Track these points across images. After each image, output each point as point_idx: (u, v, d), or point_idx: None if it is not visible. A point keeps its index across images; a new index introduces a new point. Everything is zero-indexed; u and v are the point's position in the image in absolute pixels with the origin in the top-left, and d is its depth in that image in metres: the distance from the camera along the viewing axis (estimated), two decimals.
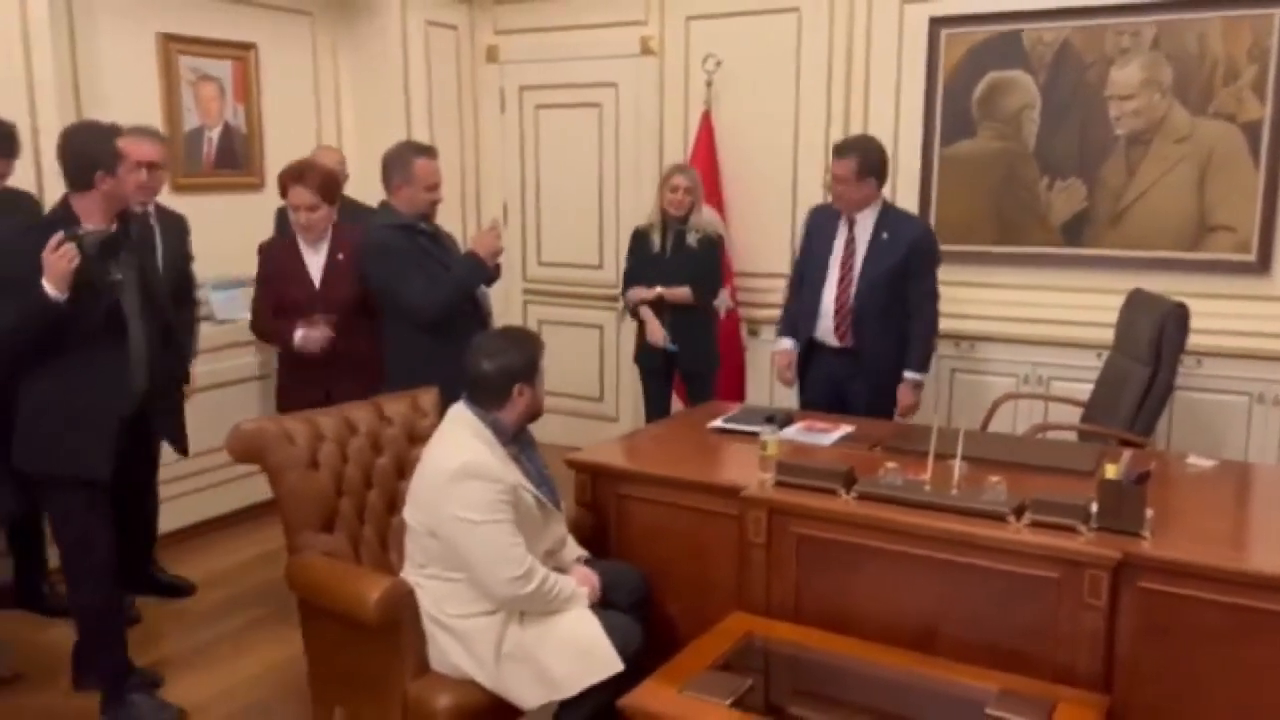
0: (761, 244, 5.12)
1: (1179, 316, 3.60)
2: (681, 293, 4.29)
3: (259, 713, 3.16)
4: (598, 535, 3.03)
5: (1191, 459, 3.03)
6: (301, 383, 3.62)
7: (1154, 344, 3.58)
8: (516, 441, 2.63)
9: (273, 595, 3.70)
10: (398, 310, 3.52)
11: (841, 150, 3.78)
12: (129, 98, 4.42)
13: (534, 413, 2.65)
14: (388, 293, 3.52)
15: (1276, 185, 4.05)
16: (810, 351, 3.90)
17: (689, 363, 4.42)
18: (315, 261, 3.66)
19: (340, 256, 3.63)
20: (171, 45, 4.69)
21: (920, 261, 3.73)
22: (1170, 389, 3.62)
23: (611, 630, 2.50)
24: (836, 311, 3.78)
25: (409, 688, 2.52)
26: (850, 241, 3.79)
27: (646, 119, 5.41)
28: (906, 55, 4.69)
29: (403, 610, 2.50)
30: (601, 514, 3.05)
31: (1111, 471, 2.45)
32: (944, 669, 2.45)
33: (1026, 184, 4.54)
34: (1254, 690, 2.23)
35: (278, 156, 5.05)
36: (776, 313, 5.02)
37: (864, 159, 3.71)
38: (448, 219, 4.08)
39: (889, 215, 3.80)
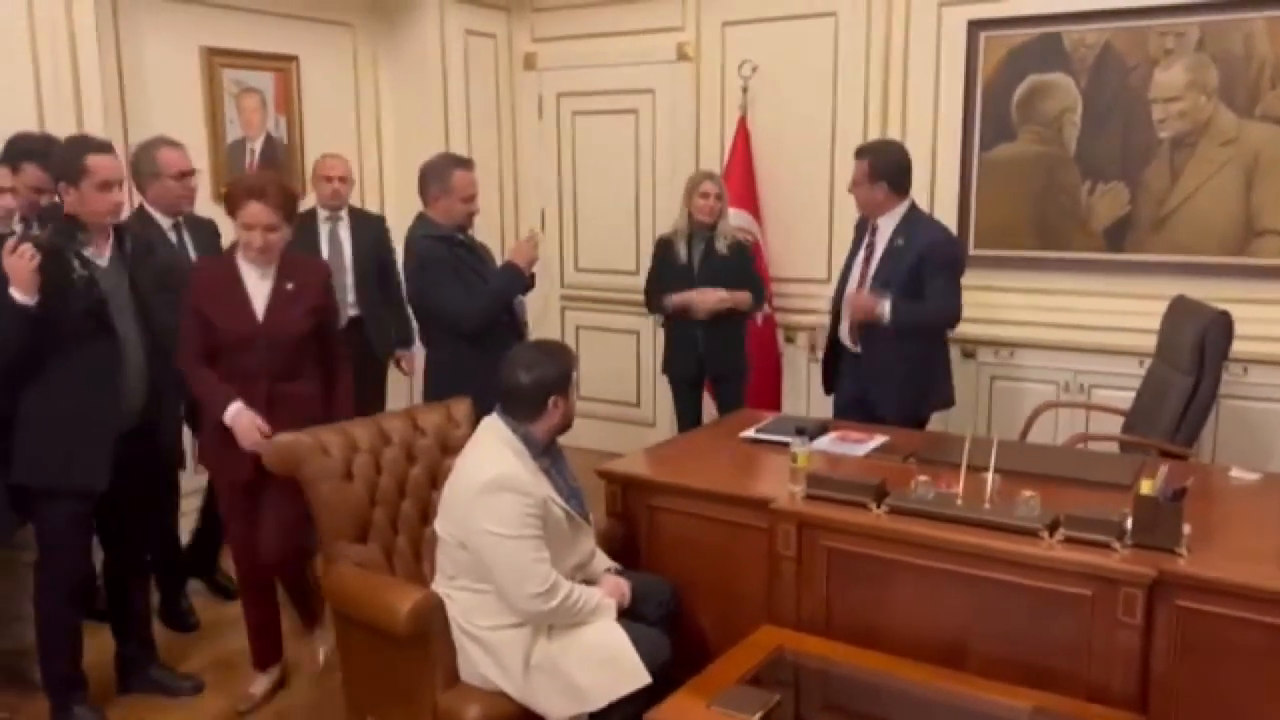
0: (798, 250, 5.09)
1: (1223, 324, 3.52)
2: (742, 297, 4.27)
3: (295, 718, 3.21)
4: (628, 546, 3.03)
5: (1235, 471, 2.96)
6: (227, 446, 3.03)
7: (1197, 352, 3.51)
8: (548, 454, 2.65)
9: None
10: (438, 322, 3.57)
11: (859, 152, 3.78)
12: (173, 110, 4.51)
13: (565, 425, 2.67)
14: (426, 304, 3.56)
15: None
16: (837, 352, 3.88)
17: (720, 367, 4.40)
18: (260, 290, 3.06)
19: (290, 286, 3.08)
20: (214, 58, 4.77)
21: (930, 267, 3.61)
22: (1213, 398, 3.55)
23: (639, 643, 2.51)
24: (852, 314, 3.75)
25: (439, 698, 2.54)
26: (870, 247, 3.76)
27: (683, 125, 5.41)
28: (945, 58, 4.64)
29: (433, 622, 2.52)
30: (632, 525, 3.06)
31: (1147, 487, 2.41)
32: (975, 686, 2.42)
33: (1067, 188, 4.47)
34: None
35: None
36: (814, 319, 5.01)
37: (876, 162, 3.68)
38: (486, 226, 4.10)
39: (910, 222, 3.71)
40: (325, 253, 4.31)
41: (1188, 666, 2.29)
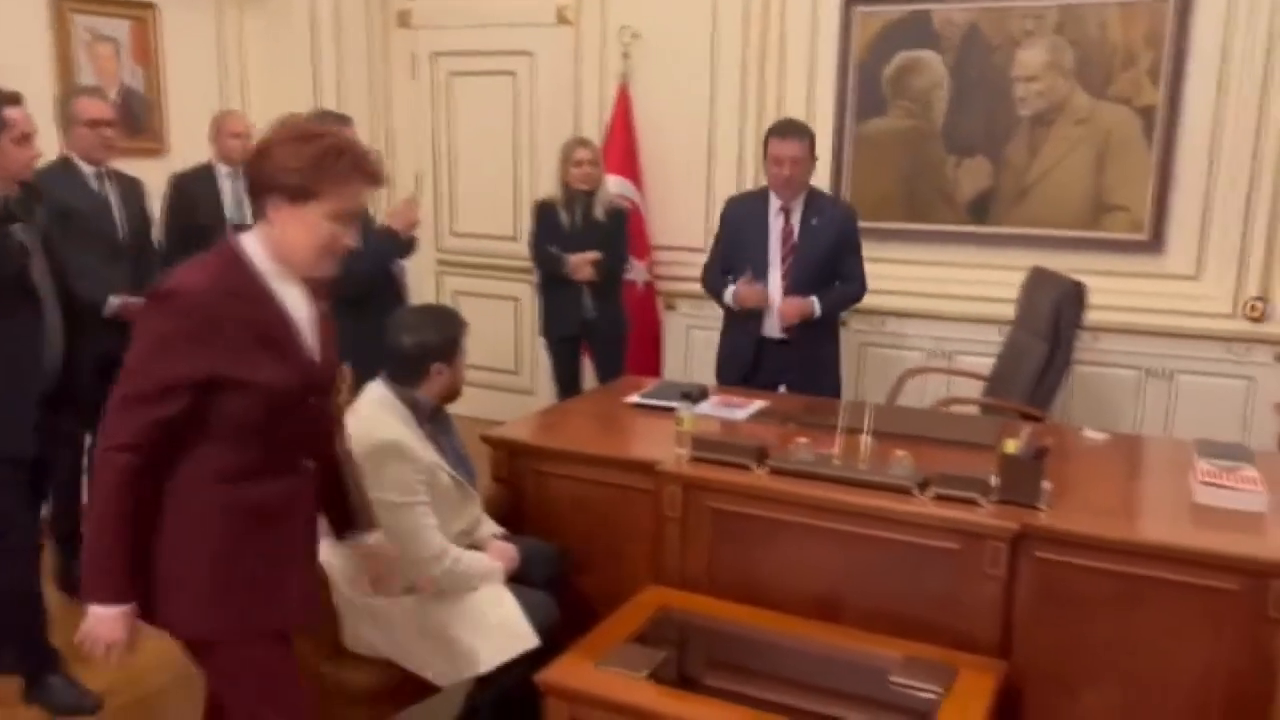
0: (678, 218, 5.13)
1: (1076, 294, 3.73)
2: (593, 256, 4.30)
3: (159, 700, 3.09)
4: (514, 512, 3.03)
5: (1087, 432, 3.16)
6: None
7: (1053, 320, 3.71)
8: (434, 421, 2.62)
9: None
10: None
11: (791, 130, 3.71)
12: (18, 59, 4.20)
13: (453, 393, 2.64)
14: None
15: (1169, 168, 4.22)
16: (759, 350, 3.80)
17: (602, 329, 4.43)
18: (301, 310, 2.42)
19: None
20: (64, 4, 4.47)
21: (848, 246, 3.76)
22: (1068, 364, 3.76)
23: (527, 606, 2.52)
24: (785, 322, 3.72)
25: (322, 668, 2.50)
26: (789, 231, 3.74)
27: (562, 89, 5.37)
28: (821, 32, 4.73)
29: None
30: (518, 490, 3.05)
31: (1011, 447, 2.55)
32: (851, 638, 2.53)
33: (935, 162, 4.65)
34: (1142, 654, 2.35)
35: (181, 121, 4.90)
36: (694, 286, 5.07)
37: (813, 139, 3.70)
38: None
39: (815, 200, 3.78)
40: (229, 210, 4.18)
41: (1045, 613, 2.44)
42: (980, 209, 4.59)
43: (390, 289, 3.57)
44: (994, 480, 2.55)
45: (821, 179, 4.73)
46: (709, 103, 5.01)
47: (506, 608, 2.51)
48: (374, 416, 2.52)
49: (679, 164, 5.11)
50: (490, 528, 2.78)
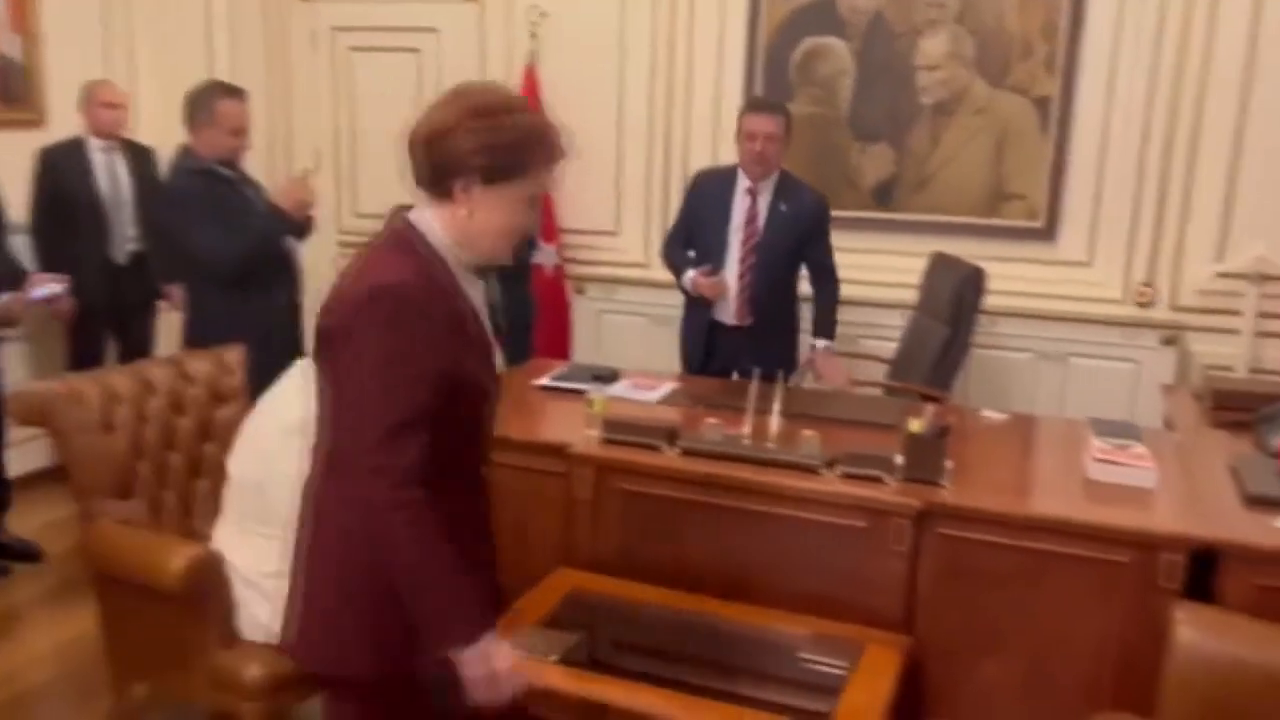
0: (588, 202, 5.08)
1: (976, 279, 3.82)
2: None
3: (42, 697, 2.94)
4: None
5: (986, 412, 3.24)
6: None
7: (954, 304, 3.79)
8: None
9: (56, 569, 3.44)
10: (192, 263, 3.33)
11: (767, 105, 3.58)
12: None
13: None
14: (179, 243, 3.31)
15: (1063, 157, 4.35)
16: (711, 335, 3.72)
17: (513, 314, 4.37)
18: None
19: None
20: None
21: (819, 235, 3.65)
22: (967, 347, 3.86)
23: None
24: (740, 291, 3.63)
25: (217, 659, 2.41)
26: (754, 214, 3.60)
27: (469, 69, 5.24)
28: (729, 16, 4.73)
29: (209, 578, 2.38)
30: None
31: (915, 426, 2.59)
32: (761, 616, 2.54)
33: (840, 148, 4.70)
34: (1040, 626, 2.42)
35: (61, 92, 4.64)
36: (605, 270, 5.06)
37: (789, 118, 3.55)
38: (256, 167, 3.86)
39: (787, 184, 3.63)
40: (103, 186, 3.96)
41: (947, 588, 2.49)
42: (884, 195, 4.66)
43: (284, 270, 3.44)
44: (899, 459, 2.59)
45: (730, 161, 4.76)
46: (618, 85, 4.98)
47: None
48: (300, 391, 2.46)
49: (588, 147, 5.00)
50: None
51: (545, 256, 4.99)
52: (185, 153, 3.35)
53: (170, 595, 2.34)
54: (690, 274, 3.65)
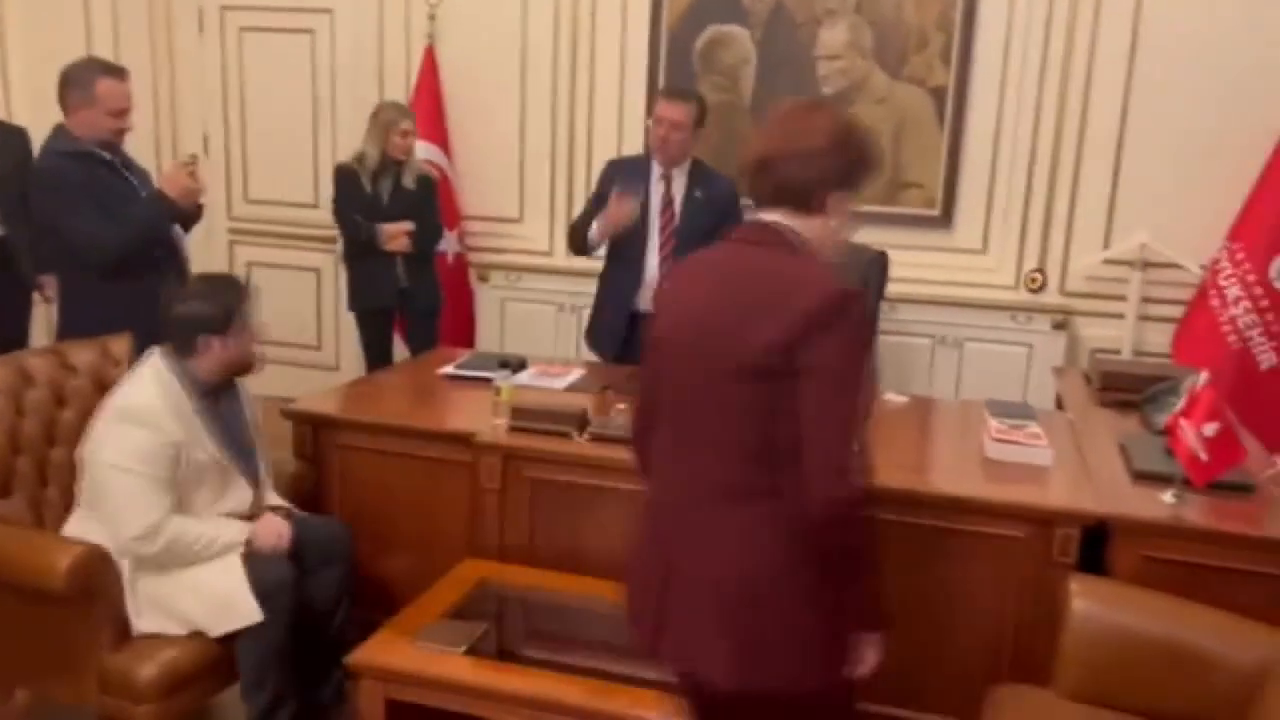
0: (490, 187, 5.02)
1: (882, 261, 3.90)
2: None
3: None
4: (318, 490, 2.89)
5: (888, 395, 3.30)
6: None
7: (862, 287, 3.85)
8: (214, 395, 2.48)
9: None
10: (68, 250, 3.17)
11: (677, 93, 3.50)
12: None
13: (236, 366, 2.52)
14: (54, 230, 3.14)
15: (958, 147, 4.46)
16: (632, 325, 3.53)
17: (420, 302, 4.29)
18: None
19: None
20: None
21: (728, 221, 3.39)
22: (875, 329, 3.92)
23: (269, 578, 2.40)
24: (661, 280, 3.49)
25: (106, 660, 2.30)
26: (669, 200, 3.54)
27: (365, 50, 5.12)
28: (633, 1, 4.72)
29: (97, 576, 2.27)
30: (324, 467, 2.90)
31: None
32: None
33: (743, 137, 4.72)
34: (943, 601, 2.48)
35: None
36: (509, 258, 4.99)
37: (701, 107, 3.49)
38: (139, 150, 3.67)
39: (700, 171, 3.58)
40: None
41: None
42: None
43: (170, 259, 3.29)
44: None
45: (636, 149, 4.75)
46: (520, 69, 4.91)
47: (230, 581, 2.38)
48: (136, 380, 2.43)
49: (490, 132, 4.98)
50: (272, 500, 2.64)
51: (446, 243, 4.90)
52: (60, 134, 3.18)
53: (56, 596, 2.22)
54: (596, 224, 3.53)
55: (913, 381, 4.35)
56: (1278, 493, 2.51)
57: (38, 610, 2.31)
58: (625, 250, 3.59)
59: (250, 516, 2.54)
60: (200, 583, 2.38)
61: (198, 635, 2.37)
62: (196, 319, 2.43)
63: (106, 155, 3.19)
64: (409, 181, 4.19)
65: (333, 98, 5.23)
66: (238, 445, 2.53)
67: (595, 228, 3.57)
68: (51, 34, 4.81)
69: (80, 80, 3.14)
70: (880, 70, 4.51)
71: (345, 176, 4.20)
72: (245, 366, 2.54)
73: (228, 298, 2.48)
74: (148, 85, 5.15)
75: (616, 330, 3.63)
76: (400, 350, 4.46)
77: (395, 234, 4.12)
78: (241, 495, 2.55)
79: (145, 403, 2.37)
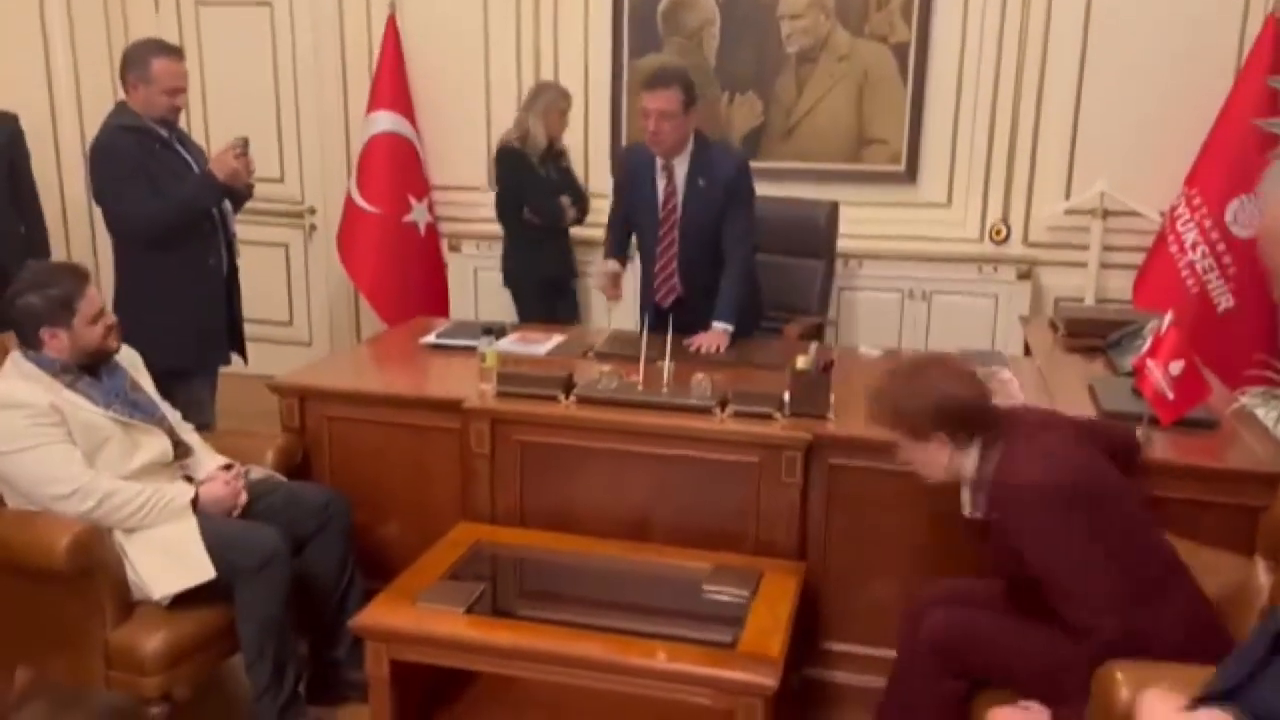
0: (457, 156, 5.01)
1: (834, 211, 4.09)
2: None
3: None
4: (308, 462, 2.92)
5: (863, 349, 3.38)
6: None
7: (824, 237, 4.05)
8: (81, 369, 2.49)
9: None
10: (113, 225, 3.29)
11: (658, 79, 3.14)
12: None
13: (86, 354, 2.48)
14: (102, 203, 3.26)
15: (921, 102, 4.52)
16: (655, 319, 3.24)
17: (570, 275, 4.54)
18: None
19: None
20: None
21: (732, 202, 3.26)
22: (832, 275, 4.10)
23: (240, 539, 2.44)
24: (659, 271, 3.36)
25: (110, 635, 2.33)
26: (671, 193, 3.29)
27: (326, 20, 5.08)
28: None
29: (97, 552, 2.30)
30: (313, 439, 2.93)
31: (801, 363, 2.69)
32: (662, 554, 2.62)
33: (709, 99, 4.74)
34: (920, 542, 2.57)
35: None
36: (477, 227, 5.00)
37: (688, 88, 3.15)
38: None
39: (704, 156, 3.27)
40: None
41: (836, 514, 2.62)
42: (753, 144, 4.75)
43: (215, 234, 3.36)
44: (786, 396, 2.68)
45: (601, 114, 4.78)
46: (483, 36, 4.90)
47: (184, 538, 2.41)
48: (1, 376, 2.45)
49: (455, 100, 4.97)
50: (213, 461, 2.65)
51: (417, 214, 4.91)
52: (122, 110, 3.29)
53: (57, 574, 2.24)
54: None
55: (884, 336, 4.43)
56: (1240, 428, 2.62)
57: (37, 589, 2.33)
58: (644, 245, 3.47)
59: (178, 463, 2.58)
60: (151, 539, 2.39)
61: (200, 603, 2.40)
62: (32, 313, 2.41)
63: (163, 131, 3.28)
64: (567, 163, 4.42)
65: (294, 71, 5.18)
66: (125, 399, 2.53)
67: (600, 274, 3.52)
68: (3, 7, 4.72)
69: (138, 59, 3.24)
70: (842, 28, 4.55)
71: (517, 158, 4.24)
72: (98, 353, 2.50)
73: (61, 288, 2.44)
74: (104, 64, 5.09)
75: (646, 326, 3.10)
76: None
77: (567, 209, 4.32)
78: (155, 442, 2.54)
79: (7, 389, 2.37)
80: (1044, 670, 1.98)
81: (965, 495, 2.18)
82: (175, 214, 3.21)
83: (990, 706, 2.01)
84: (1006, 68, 4.39)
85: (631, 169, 3.42)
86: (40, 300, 2.41)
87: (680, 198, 3.30)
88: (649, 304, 3.42)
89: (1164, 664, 1.78)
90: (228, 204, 3.38)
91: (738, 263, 3.31)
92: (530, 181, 4.24)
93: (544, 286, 4.41)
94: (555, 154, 4.34)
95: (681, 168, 3.28)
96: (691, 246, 3.33)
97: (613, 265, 3.44)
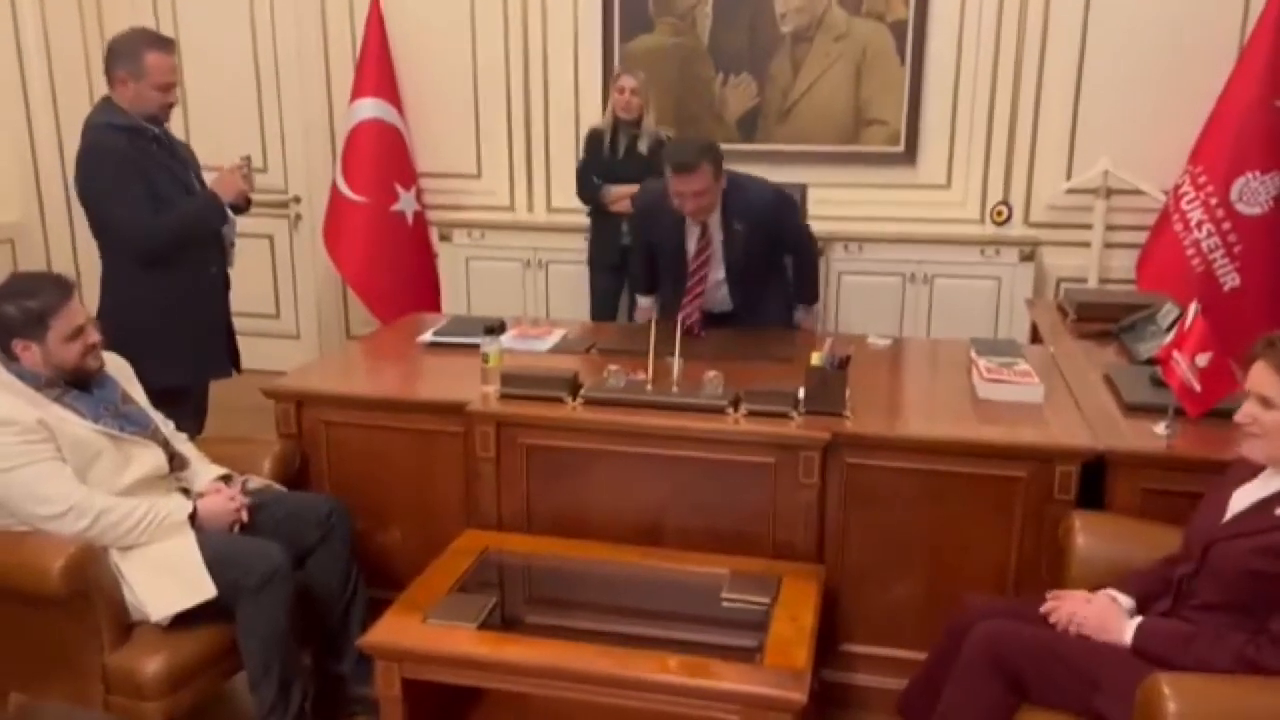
0: (445, 143, 4.90)
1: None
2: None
3: None
4: (306, 468, 2.83)
5: (871, 338, 3.30)
6: None
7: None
8: (65, 384, 2.38)
9: None
10: (105, 235, 3.09)
11: (686, 165, 3.05)
12: None
13: (64, 371, 2.37)
14: (94, 211, 3.05)
15: (920, 81, 4.44)
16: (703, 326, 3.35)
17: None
18: None
19: None
20: None
21: (784, 228, 3.36)
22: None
23: (240, 554, 2.35)
24: (685, 305, 3.29)
25: (108, 660, 2.24)
26: (705, 245, 3.28)
27: (308, 4, 4.94)
28: None
29: (92, 574, 2.20)
30: (311, 445, 2.84)
31: (816, 359, 2.61)
32: (676, 559, 2.54)
33: (703, 80, 4.65)
34: (944, 544, 2.50)
35: None
36: (468, 215, 4.90)
37: (716, 160, 3.10)
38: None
39: (737, 198, 3.21)
40: None
41: (855, 514, 2.55)
42: (749, 126, 4.66)
43: (214, 245, 3.24)
44: (801, 393, 2.61)
45: (592, 97, 4.67)
46: (470, 19, 4.78)
47: (184, 555, 2.32)
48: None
49: (442, 86, 4.85)
50: (209, 472, 2.56)
51: (404, 203, 4.79)
52: (108, 106, 3.05)
53: (51, 598, 2.15)
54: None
55: (885, 320, 4.37)
56: None
57: (30, 612, 2.24)
58: (665, 283, 3.43)
59: (174, 475, 2.48)
60: (149, 557, 2.30)
61: (201, 622, 2.31)
62: (5, 323, 2.30)
63: (155, 130, 3.10)
64: (643, 146, 4.21)
65: (275, 54, 5.04)
66: (115, 412, 2.43)
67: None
68: None
69: (129, 52, 3.03)
70: (838, 6, 4.46)
71: (592, 137, 4.35)
72: (75, 373, 2.38)
73: (41, 301, 2.32)
74: (78, 46, 4.94)
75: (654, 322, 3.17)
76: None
77: (619, 196, 4.17)
78: (149, 456, 2.44)
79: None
80: (1092, 681, 1.92)
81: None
82: (179, 233, 3.07)
83: None
84: (1006, 44, 4.31)
85: (656, 224, 3.34)
86: (16, 310, 2.30)
87: (716, 245, 3.28)
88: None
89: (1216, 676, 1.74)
90: (230, 214, 3.27)
91: (809, 254, 3.54)
92: (589, 159, 4.34)
93: (599, 273, 4.43)
94: (633, 136, 4.24)
95: (715, 220, 3.25)
96: (737, 281, 3.35)
97: (646, 305, 3.58)
